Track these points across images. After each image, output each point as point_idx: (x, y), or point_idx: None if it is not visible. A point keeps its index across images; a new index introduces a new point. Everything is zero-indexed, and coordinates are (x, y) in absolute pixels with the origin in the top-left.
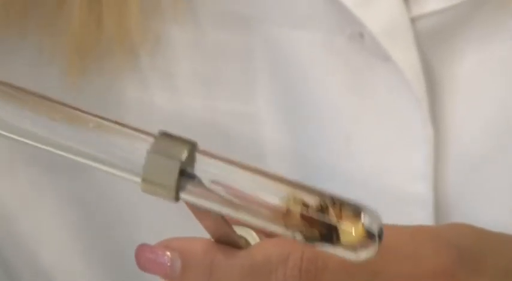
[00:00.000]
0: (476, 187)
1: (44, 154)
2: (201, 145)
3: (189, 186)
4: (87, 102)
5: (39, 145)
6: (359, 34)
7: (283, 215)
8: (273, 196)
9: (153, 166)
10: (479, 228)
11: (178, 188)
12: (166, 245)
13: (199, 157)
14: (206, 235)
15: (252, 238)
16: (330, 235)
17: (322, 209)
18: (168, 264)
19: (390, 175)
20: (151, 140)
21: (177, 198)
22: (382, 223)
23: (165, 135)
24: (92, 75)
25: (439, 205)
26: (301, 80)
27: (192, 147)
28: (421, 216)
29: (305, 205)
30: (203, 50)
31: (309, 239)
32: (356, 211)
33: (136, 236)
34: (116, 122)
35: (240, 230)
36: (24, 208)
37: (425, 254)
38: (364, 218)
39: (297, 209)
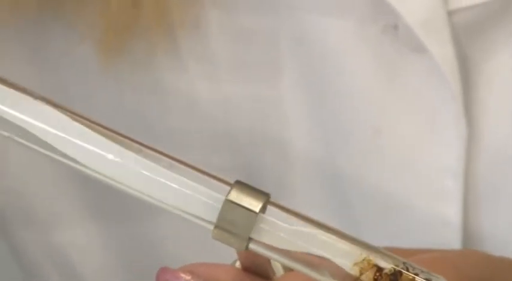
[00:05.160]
0: (508, 184)
1: None
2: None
3: (260, 237)
4: (122, 82)
5: (110, 182)
6: (393, 25)
7: (355, 278)
8: (347, 258)
9: (228, 215)
10: (493, 256)
11: (250, 239)
12: (191, 270)
13: (272, 209)
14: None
15: (275, 266)
16: None
17: (396, 274)
18: None
19: (419, 170)
20: (227, 188)
21: (247, 248)
22: None
23: (241, 184)
24: (126, 55)
25: (468, 202)
26: (330, 68)
27: (267, 199)
28: (450, 212)
29: (379, 269)
30: (235, 34)
31: None
32: (429, 279)
33: (154, 224)
34: (191, 165)
35: None
36: (39, 184)
37: None
38: None
39: (370, 273)
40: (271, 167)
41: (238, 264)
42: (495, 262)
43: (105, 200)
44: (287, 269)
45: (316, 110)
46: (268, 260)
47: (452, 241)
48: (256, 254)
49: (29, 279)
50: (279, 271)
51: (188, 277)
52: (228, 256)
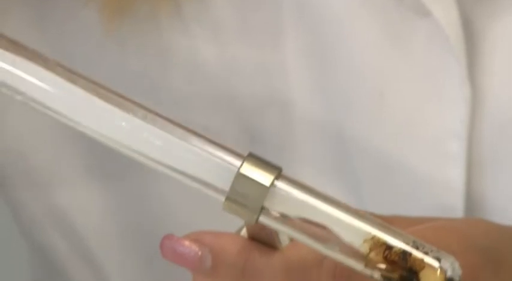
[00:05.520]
0: (509, 147)
1: None
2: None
3: (270, 211)
4: (125, 45)
5: (122, 150)
6: None
7: (364, 254)
8: (357, 234)
9: (240, 188)
10: (499, 225)
11: (261, 212)
12: (196, 238)
13: (283, 184)
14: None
15: (282, 236)
16: (410, 278)
17: (405, 252)
18: (198, 259)
19: (423, 133)
20: (239, 160)
21: (257, 220)
22: (461, 271)
23: (254, 157)
24: (129, 18)
25: (472, 165)
26: (333, 33)
27: (279, 173)
28: (453, 175)
29: (388, 247)
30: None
31: (387, 279)
32: (438, 258)
33: (157, 184)
34: (205, 137)
35: None
36: (41, 143)
37: None
38: (446, 266)
39: (380, 251)
40: (274, 130)
41: (244, 232)
42: (503, 231)
43: (106, 160)
44: (294, 239)
45: (320, 74)
46: (275, 230)
47: (454, 203)
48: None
49: (28, 237)
50: (285, 241)
51: (193, 246)
52: (231, 216)
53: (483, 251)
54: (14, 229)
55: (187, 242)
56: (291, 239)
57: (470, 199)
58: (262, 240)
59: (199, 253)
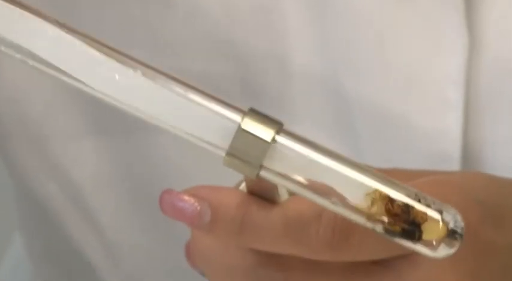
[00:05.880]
0: (506, 95)
1: None
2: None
3: (272, 165)
4: None
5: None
6: None
7: (366, 208)
8: (359, 188)
9: (240, 143)
10: (499, 178)
11: (262, 167)
12: (195, 193)
13: (284, 138)
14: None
15: (281, 190)
16: (412, 231)
17: (407, 205)
18: (197, 214)
19: (421, 81)
20: (240, 115)
21: (258, 175)
22: (464, 223)
23: (254, 112)
24: None
25: (469, 111)
26: None
27: (280, 127)
28: (451, 122)
29: (390, 200)
30: None
31: (389, 232)
32: (440, 210)
33: (155, 140)
34: (205, 93)
35: None
36: (36, 93)
37: None
38: (448, 218)
39: (382, 204)
40: (272, 79)
41: (243, 186)
42: (502, 185)
43: (106, 115)
44: (293, 194)
45: (319, 23)
46: (275, 185)
47: (452, 151)
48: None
49: (20, 186)
50: (284, 195)
51: (192, 200)
52: (233, 177)
53: (483, 205)
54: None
55: (186, 197)
56: (290, 194)
57: (468, 146)
58: (262, 194)
59: (199, 207)
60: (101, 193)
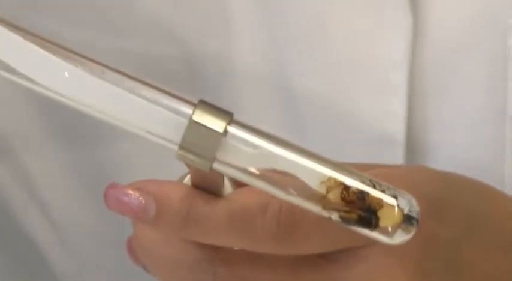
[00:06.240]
0: (451, 78)
1: None
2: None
3: (225, 157)
4: None
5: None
6: None
7: (321, 196)
8: (313, 176)
9: (192, 135)
10: (443, 172)
11: (214, 159)
12: (140, 187)
13: (236, 129)
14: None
15: (226, 183)
16: (369, 218)
17: (363, 192)
18: (141, 208)
19: (366, 63)
20: (190, 108)
21: (211, 168)
22: (419, 209)
23: (205, 105)
24: None
25: (413, 94)
26: None
27: (231, 118)
28: (395, 105)
29: (345, 188)
30: None
31: (345, 220)
32: (395, 196)
33: (119, 150)
34: (155, 86)
35: None
36: None
37: None
38: (403, 203)
39: (337, 191)
40: (215, 59)
41: (187, 180)
42: (445, 179)
43: (69, 124)
44: (237, 186)
45: (262, 8)
46: (220, 177)
47: (396, 134)
48: (207, 172)
49: None
50: (228, 188)
51: (137, 194)
52: None
53: (427, 199)
54: None
55: (131, 191)
56: (235, 187)
57: (412, 129)
58: (206, 188)
59: (143, 201)
60: (52, 179)
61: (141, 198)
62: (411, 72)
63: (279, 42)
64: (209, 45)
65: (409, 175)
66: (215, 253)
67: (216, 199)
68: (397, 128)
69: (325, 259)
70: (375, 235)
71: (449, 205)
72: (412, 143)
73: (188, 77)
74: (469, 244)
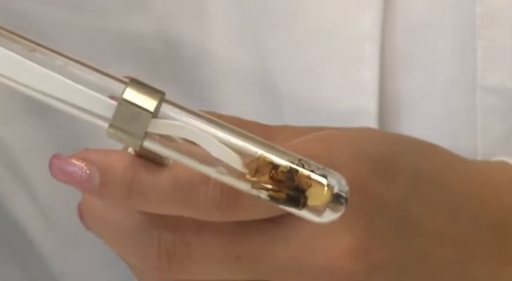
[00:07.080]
0: (421, 49)
1: None
2: None
3: (154, 136)
4: None
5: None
6: None
7: (251, 175)
8: (242, 155)
9: (123, 114)
10: (392, 134)
11: (145, 138)
12: (84, 157)
13: (167, 107)
14: None
15: None
16: (297, 197)
17: (291, 171)
18: (85, 178)
19: (337, 36)
20: (122, 86)
21: (141, 146)
22: (348, 189)
23: (136, 83)
24: None
25: (385, 66)
26: None
27: (162, 97)
28: (367, 76)
29: (274, 167)
30: None
31: (274, 199)
32: (324, 176)
33: None
34: (86, 65)
35: None
36: None
37: (339, 165)
38: (332, 183)
39: (265, 170)
40: (190, 36)
41: (131, 149)
42: (393, 141)
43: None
44: None
45: None
46: None
47: (368, 106)
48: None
49: None
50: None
51: (82, 164)
52: None
53: (374, 160)
54: None
55: (75, 161)
56: None
57: (384, 101)
58: (150, 157)
59: (87, 171)
60: (32, 152)
61: (85, 168)
62: (382, 44)
63: (251, 17)
64: (185, 25)
65: (355, 136)
66: (160, 219)
67: (159, 169)
68: (370, 99)
69: (272, 222)
70: (303, 213)
71: (396, 166)
72: (384, 114)
73: (166, 56)
74: (416, 204)
